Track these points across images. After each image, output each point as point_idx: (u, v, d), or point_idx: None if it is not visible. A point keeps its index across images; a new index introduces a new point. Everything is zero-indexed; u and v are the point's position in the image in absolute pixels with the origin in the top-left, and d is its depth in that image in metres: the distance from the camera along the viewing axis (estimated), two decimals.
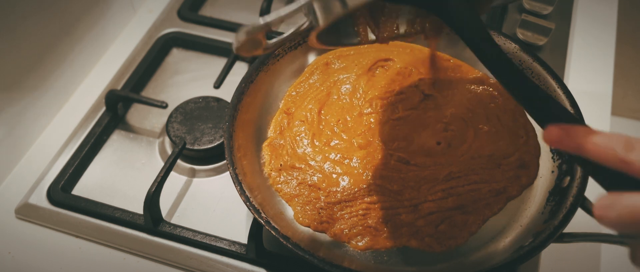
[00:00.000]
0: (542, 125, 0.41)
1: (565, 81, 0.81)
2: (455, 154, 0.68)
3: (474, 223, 0.64)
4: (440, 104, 0.73)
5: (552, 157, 0.67)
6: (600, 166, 0.37)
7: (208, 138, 0.77)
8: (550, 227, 0.58)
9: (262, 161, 0.69)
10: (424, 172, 0.67)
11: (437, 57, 0.77)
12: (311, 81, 0.76)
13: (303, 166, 0.68)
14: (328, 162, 0.68)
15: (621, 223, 0.34)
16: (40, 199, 0.73)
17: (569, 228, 0.57)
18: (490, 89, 0.73)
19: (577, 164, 0.39)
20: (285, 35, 0.50)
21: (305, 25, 0.49)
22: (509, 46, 0.73)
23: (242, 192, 0.60)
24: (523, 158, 0.67)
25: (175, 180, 0.76)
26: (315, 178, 0.67)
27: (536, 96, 0.44)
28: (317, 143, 0.70)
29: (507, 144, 0.69)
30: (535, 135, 0.69)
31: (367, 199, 0.65)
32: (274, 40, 0.51)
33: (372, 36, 0.60)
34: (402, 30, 0.61)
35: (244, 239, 0.69)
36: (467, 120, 0.70)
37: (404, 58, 0.76)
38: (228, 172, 0.63)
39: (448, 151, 0.68)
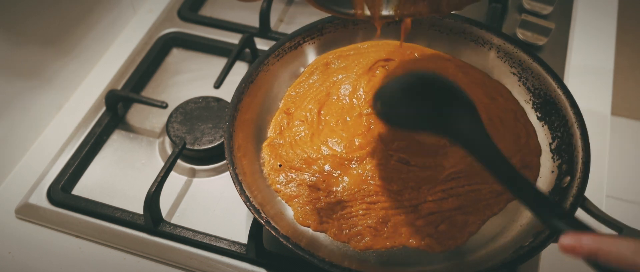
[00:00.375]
0: (556, 232, 0.44)
1: (565, 81, 0.81)
2: (458, 156, 0.68)
3: (474, 223, 0.64)
4: None
5: (552, 157, 0.67)
6: (612, 269, 0.40)
7: (208, 138, 0.77)
8: None
9: (261, 161, 0.69)
10: (425, 172, 0.66)
11: (439, 57, 0.77)
12: (311, 81, 0.75)
13: (302, 167, 0.68)
14: (327, 163, 0.68)
15: None
16: (40, 199, 0.73)
17: None
18: (491, 89, 0.73)
19: (592, 267, 0.43)
20: None
21: None
22: (509, 47, 0.73)
23: (242, 192, 0.60)
24: (525, 159, 0.67)
25: (175, 180, 0.76)
26: (314, 178, 0.67)
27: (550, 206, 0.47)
28: (315, 144, 0.70)
29: (509, 144, 0.68)
30: (536, 135, 0.69)
31: (367, 200, 0.65)
32: None
33: (367, 12, 0.60)
34: (391, 11, 0.60)
35: (244, 239, 0.69)
36: None
37: (405, 59, 0.76)
38: (228, 172, 0.63)
39: (449, 153, 0.68)
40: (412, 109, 0.56)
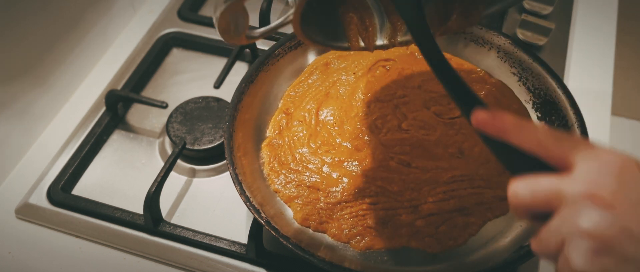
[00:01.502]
0: (467, 111, 0.43)
1: (565, 81, 0.81)
2: (461, 160, 0.67)
3: (475, 225, 0.64)
4: (444, 106, 0.72)
5: None
6: (516, 150, 0.39)
7: (208, 138, 0.77)
8: None
9: (261, 161, 0.69)
10: (425, 174, 0.66)
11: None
12: (310, 81, 0.75)
13: (300, 168, 0.68)
14: (326, 164, 0.68)
15: (535, 204, 0.37)
16: (40, 199, 0.73)
17: None
18: (494, 89, 0.73)
19: (489, 147, 0.41)
20: (272, 24, 0.50)
21: (290, 17, 0.48)
22: (509, 47, 0.73)
23: (242, 192, 0.60)
24: None
25: (175, 180, 0.76)
26: (313, 179, 0.67)
27: (462, 86, 0.46)
28: (314, 144, 0.69)
29: None
30: None
31: (367, 200, 0.65)
32: (261, 29, 0.50)
33: (362, 43, 0.60)
34: (385, 40, 0.61)
35: (244, 239, 0.69)
36: None
37: (406, 59, 0.76)
38: (228, 172, 0.63)
39: (453, 157, 0.68)
40: None
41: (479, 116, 0.41)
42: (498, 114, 0.40)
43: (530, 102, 0.71)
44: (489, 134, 0.41)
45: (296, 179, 0.67)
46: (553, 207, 0.36)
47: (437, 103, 0.72)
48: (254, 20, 0.91)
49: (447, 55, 0.76)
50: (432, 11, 0.58)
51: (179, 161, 0.77)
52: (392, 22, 0.59)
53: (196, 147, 0.76)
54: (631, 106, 1.69)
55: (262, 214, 0.59)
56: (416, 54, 0.77)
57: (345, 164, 0.68)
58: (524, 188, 0.37)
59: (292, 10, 0.48)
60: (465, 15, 0.59)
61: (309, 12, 0.49)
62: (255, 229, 0.65)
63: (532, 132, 0.38)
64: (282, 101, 0.74)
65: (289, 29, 0.52)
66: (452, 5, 0.58)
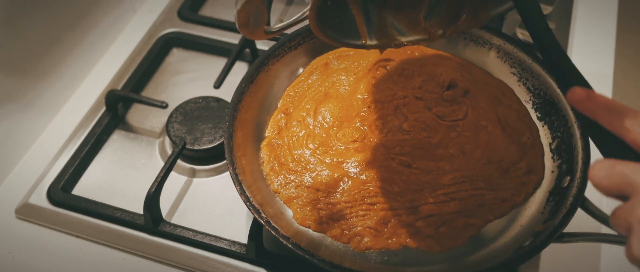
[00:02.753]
0: (566, 87, 0.44)
1: None
2: (461, 161, 0.67)
3: (475, 226, 0.64)
4: (446, 107, 0.72)
5: (552, 157, 0.67)
6: (604, 131, 0.40)
7: (208, 138, 0.77)
8: (550, 227, 0.58)
9: (260, 161, 0.69)
10: (426, 176, 0.66)
11: (440, 56, 0.77)
12: (309, 81, 0.75)
13: (299, 169, 0.68)
14: (326, 165, 0.68)
15: (611, 188, 0.38)
16: (40, 199, 0.73)
17: (569, 228, 0.57)
18: (494, 89, 0.73)
19: (583, 125, 0.42)
20: (289, 20, 0.50)
21: (307, 13, 0.49)
22: (509, 47, 0.73)
23: (242, 192, 0.60)
24: (530, 162, 0.67)
25: (175, 180, 0.76)
26: (312, 179, 0.67)
27: (567, 65, 0.47)
28: (313, 145, 0.69)
29: (515, 148, 0.68)
30: (539, 135, 0.69)
31: (367, 201, 0.65)
32: (279, 24, 0.50)
33: (374, 41, 0.60)
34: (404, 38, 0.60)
35: (244, 239, 0.69)
36: (478, 124, 0.70)
37: (407, 59, 0.76)
38: (228, 172, 0.63)
39: (453, 158, 0.67)
40: None
41: (576, 93, 0.42)
42: (593, 95, 0.41)
43: (530, 102, 0.71)
44: (582, 112, 0.42)
45: (296, 180, 0.67)
46: (627, 194, 0.37)
47: (438, 104, 0.72)
48: None
49: (447, 55, 0.77)
50: (443, 11, 0.59)
51: (179, 161, 0.77)
52: (400, 21, 0.59)
53: (196, 147, 0.76)
54: (631, 106, 1.69)
55: (262, 214, 0.59)
56: (416, 53, 0.77)
57: (344, 164, 0.68)
58: (600, 171, 0.38)
59: (308, 7, 0.48)
60: (474, 15, 0.59)
61: (324, 9, 0.49)
62: (255, 229, 0.65)
63: (620, 117, 0.39)
64: (281, 101, 0.74)
65: (290, 28, 0.52)
66: (462, 6, 0.58)
